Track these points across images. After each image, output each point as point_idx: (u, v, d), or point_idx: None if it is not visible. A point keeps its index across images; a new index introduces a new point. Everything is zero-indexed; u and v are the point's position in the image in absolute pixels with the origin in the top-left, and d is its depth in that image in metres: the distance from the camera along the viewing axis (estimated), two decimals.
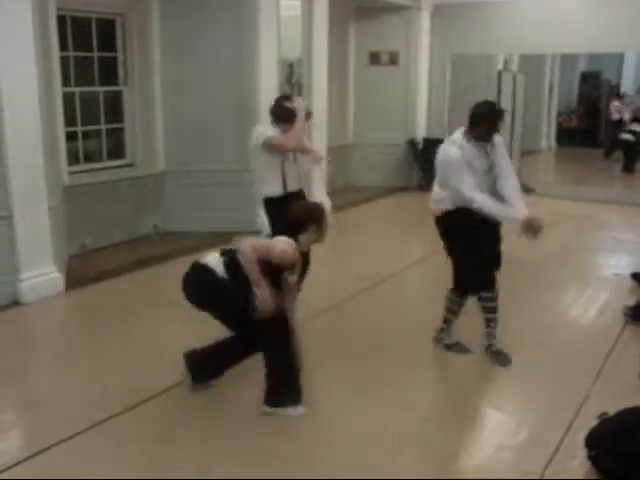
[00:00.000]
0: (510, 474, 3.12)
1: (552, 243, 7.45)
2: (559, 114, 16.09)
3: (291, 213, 3.70)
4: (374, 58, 10.34)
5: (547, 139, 15.75)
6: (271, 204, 4.58)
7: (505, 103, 10.09)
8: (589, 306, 5.49)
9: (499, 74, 10.21)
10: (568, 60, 15.29)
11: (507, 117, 10.16)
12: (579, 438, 3.22)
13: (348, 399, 3.81)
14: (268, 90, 7.47)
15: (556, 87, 15.52)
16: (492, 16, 9.91)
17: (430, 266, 6.26)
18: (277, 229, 4.11)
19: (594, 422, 3.22)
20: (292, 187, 4.22)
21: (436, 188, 4.24)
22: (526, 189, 10.04)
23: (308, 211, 3.74)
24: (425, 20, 10.37)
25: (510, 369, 4.26)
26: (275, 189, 4.33)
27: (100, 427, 3.47)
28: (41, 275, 5.34)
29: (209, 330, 4.74)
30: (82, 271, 5.97)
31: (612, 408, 3.27)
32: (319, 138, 8.52)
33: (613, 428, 3.13)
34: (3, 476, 3.06)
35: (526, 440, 3.42)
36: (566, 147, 15.60)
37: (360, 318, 5.11)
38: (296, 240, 3.57)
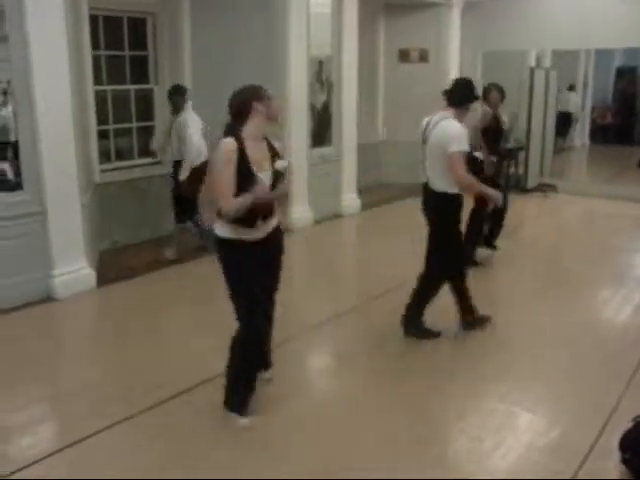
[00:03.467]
0: (541, 475, 3.07)
1: (586, 242, 7.34)
2: (593, 111, 15.81)
3: (232, 102, 3.35)
4: (404, 55, 10.28)
5: (580, 136, 15.48)
6: None
7: (537, 100, 9.95)
8: (623, 306, 5.38)
9: (531, 71, 10.06)
10: (603, 55, 14.99)
11: (539, 114, 10.05)
12: (613, 440, 3.15)
13: (376, 397, 3.79)
14: (297, 88, 7.48)
15: (590, 83, 15.24)
16: (524, 12, 9.77)
17: None
18: None
19: (628, 424, 3.14)
20: None
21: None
22: (544, 187, 9.96)
23: (243, 91, 3.37)
24: (455, 17, 10.27)
25: (543, 369, 4.20)
26: None
27: (129, 422, 3.51)
28: (73, 271, 5.41)
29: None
30: (113, 268, 6.04)
31: None
32: (348, 135, 8.50)
33: None
34: (32, 469, 3.10)
35: (558, 441, 3.36)
36: (600, 144, 15.32)
37: (387, 318, 5.08)
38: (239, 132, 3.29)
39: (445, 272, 4.55)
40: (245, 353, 3.46)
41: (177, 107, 6.16)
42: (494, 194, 4.48)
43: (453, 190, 4.33)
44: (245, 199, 3.21)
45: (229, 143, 3.24)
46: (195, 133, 6.02)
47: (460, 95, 4.46)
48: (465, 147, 4.26)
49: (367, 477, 3.05)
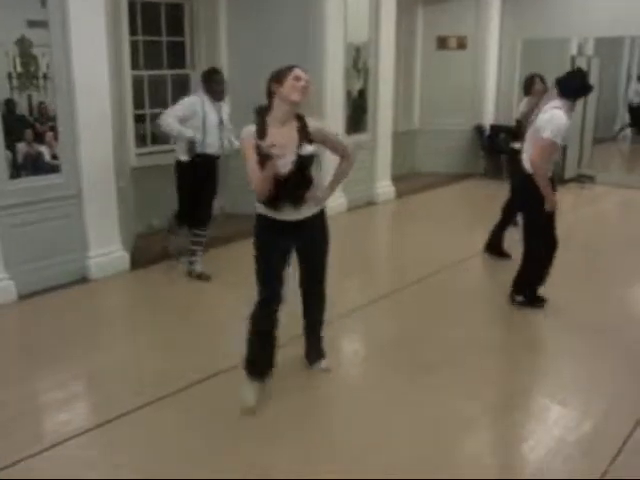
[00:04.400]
0: (571, 470, 3.03)
1: (623, 234, 7.19)
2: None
3: None
4: (442, 42, 10.16)
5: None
6: None
7: None
8: None
9: (572, 59, 9.84)
10: None
11: (578, 103, 9.82)
12: None
13: (409, 384, 3.78)
14: (334, 75, 7.45)
15: (635, 72, 14.86)
16: None
17: None
18: None
19: None
20: None
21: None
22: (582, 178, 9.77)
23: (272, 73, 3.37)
24: (495, 3, 10.10)
25: (576, 361, 4.14)
26: None
27: (163, 401, 3.56)
28: (108, 253, 5.50)
29: None
30: (148, 250, 6.11)
31: None
32: (383, 123, 8.44)
33: None
34: (66, 444, 3.17)
35: (590, 435, 3.31)
36: None
37: (421, 305, 5.06)
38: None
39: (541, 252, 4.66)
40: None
41: (222, 93, 5.41)
42: (551, 198, 4.42)
43: None
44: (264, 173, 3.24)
45: (245, 131, 3.33)
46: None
47: (573, 88, 4.49)
48: (558, 140, 4.33)
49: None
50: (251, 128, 3.33)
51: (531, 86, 6.19)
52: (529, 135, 4.58)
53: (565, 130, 4.34)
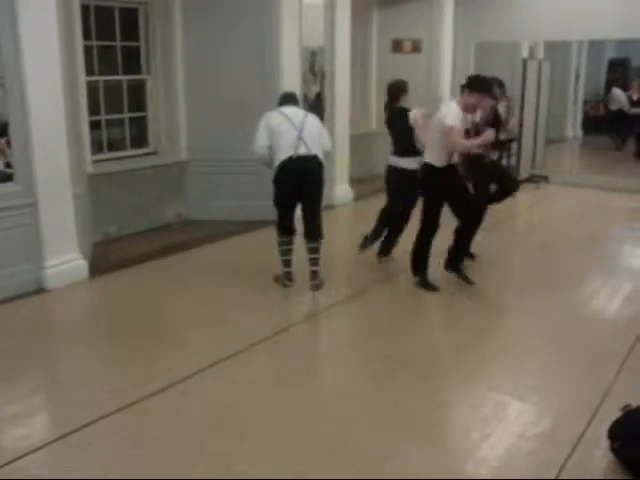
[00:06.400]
0: (531, 465, 3.10)
1: (578, 232, 7.37)
2: (585, 102, 15.81)
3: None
4: (397, 45, 10.26)
5: (573, 128, 15.50)
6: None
7: (530, 91, 9.96)
8: (614, 296, 5.42)
9: (524, 62, 10.06)
10: (595, 47, 14.98)
11: (531, 106, 10.06)
12: (602, 429, 3.19)
13: (364, 384, 3.83)
14: (290, 79, 7.45)
15: (583, 75, 15.24)
16: (517, 3, 9.77)
17: None
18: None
19: (617, 414, 3.18)
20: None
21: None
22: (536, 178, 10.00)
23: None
24: (448, 7, 10.24)
25: (533, 359, 4.24)
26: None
27: (126, 411, 3.52)
28: (65, 262, 5.40)
29: (232, 314, 4.81)
30: (106, 258, 6.04)
31: (636, 400, 3.24)
32: (341, 126, 8.49)
33: (636, 420, 3.10)
34: (26, 458, 3.11)
35: (548, 431, 3.39)
36: (593, 136, 15.34)
37: (380, 305, 5.12)
38: None
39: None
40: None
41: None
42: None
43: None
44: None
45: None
46: None
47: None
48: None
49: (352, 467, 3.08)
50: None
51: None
52: None
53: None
